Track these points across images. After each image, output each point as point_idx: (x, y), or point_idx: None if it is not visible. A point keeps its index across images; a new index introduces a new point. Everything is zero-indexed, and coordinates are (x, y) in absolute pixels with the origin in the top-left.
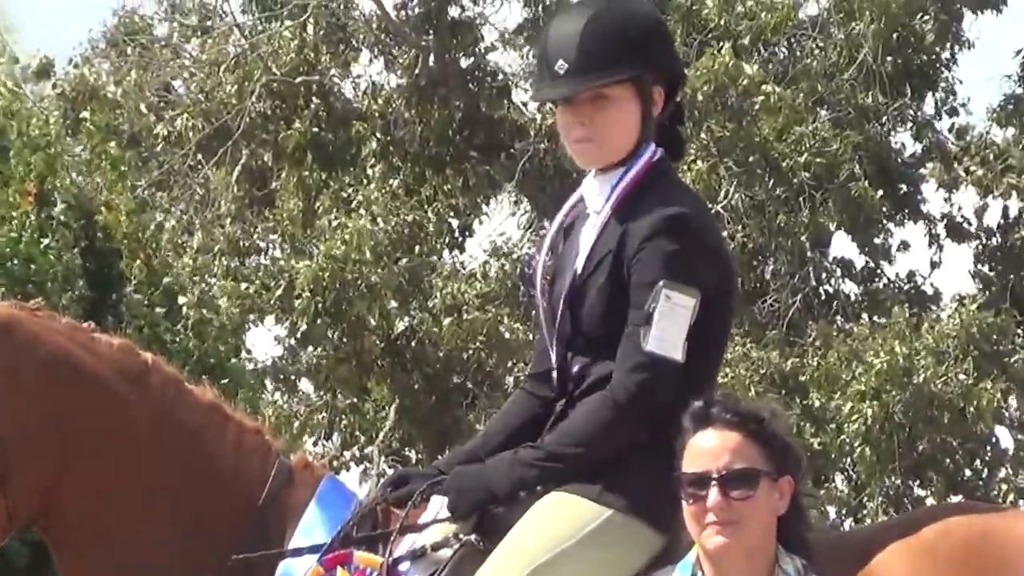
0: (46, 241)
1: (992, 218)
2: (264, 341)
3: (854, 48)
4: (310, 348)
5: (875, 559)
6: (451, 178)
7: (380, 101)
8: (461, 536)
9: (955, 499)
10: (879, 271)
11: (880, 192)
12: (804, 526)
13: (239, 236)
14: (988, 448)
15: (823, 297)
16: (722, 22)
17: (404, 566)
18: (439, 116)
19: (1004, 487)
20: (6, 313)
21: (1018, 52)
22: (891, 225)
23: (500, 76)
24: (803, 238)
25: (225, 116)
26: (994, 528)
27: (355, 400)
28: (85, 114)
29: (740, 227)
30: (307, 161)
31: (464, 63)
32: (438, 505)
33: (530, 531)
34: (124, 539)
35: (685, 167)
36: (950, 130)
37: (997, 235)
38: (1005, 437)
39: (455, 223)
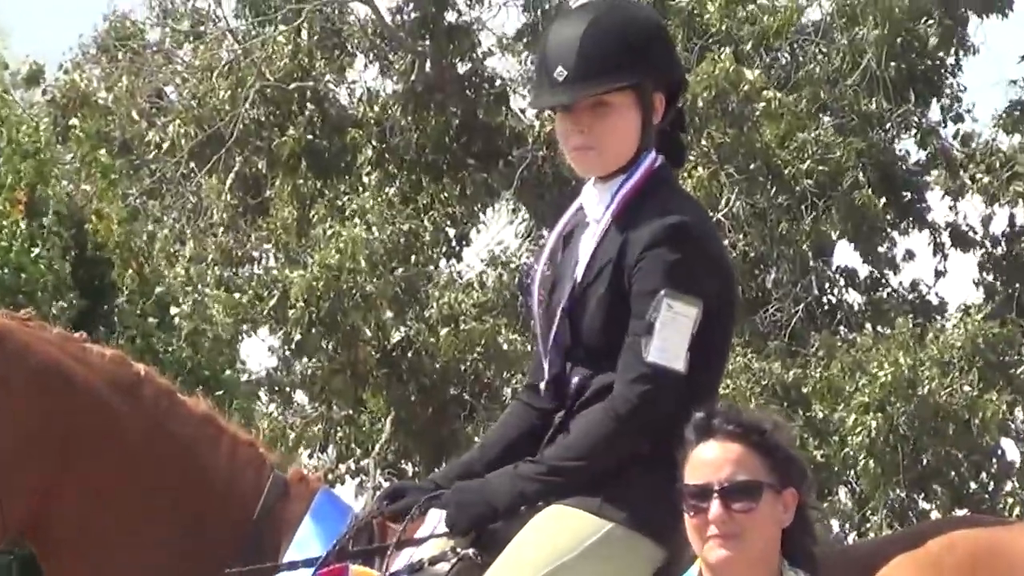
0: (37, 250)
1: (998, 226)
2: (258, 352)
3: (857, 53)
4: (305, 359)
5: (879, 573)
6: (448, 186)
7: (376, 107)
8: (459, 550)
9: (960, 512)
10: (883, 280)
11: (884, 200)
12: (810, 539)
13: (232, 245)
14: (994, 460)
15: (826, 307)
16: (723, 27)
17: None
18: (436, 123)
19: (1010, 500)
20: None
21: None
22: (895, 234)
23: (498, 82)
24: (805, 247)
25: (218, 123)
26: (1000, 542)
27: (350, 412)
28: (74, 121)
29: (741, 235)
30: (301, 169)
31: (461, 69)
32: (435, 519)
33: (529, 544)
34: (115, 556)
35: (685, 174)
36: (955, 137)
37: (1003, 243)
38: (1011, 449)
39: (452, 232)
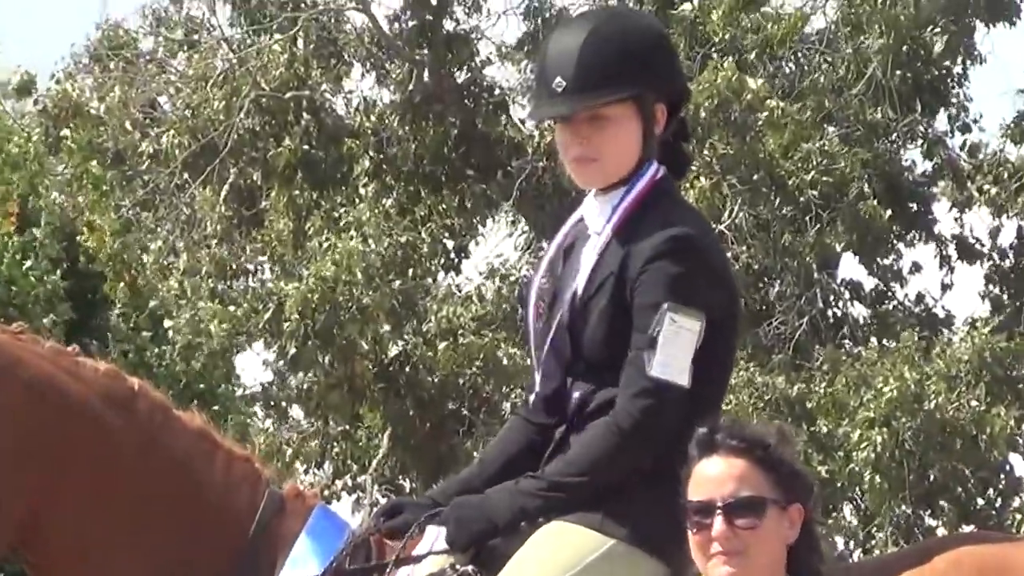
0: (28, 263)
1: (1006, 239)
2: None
3: (862, 62)
4: (300, 373)
5: None
6: (446, 197)
7: (373, 117)
8: (458, 567)
9: (967, 529)
10: (889, 293)
11: (889, 211)
12: (816, 556)
13: (226, 258)
14: (1001, 476)
15: (831, 320)
16: (727, 35)
17: None
18: (434, 133)
19: (1018, 516)
20: None
21: None
22: (901, 246)
23: (497, 91)
24: (810, 259)
25: (212, 133)
26: (1008, 558)
27: (347, 427)
28: (66, 132)
29: (744, 247)
30: (297, 180)
31: (460, 78)
32: (434, 536)
33: (530, 561)
34: (108, 574)
35: (687, 185)
36: (962, 147)
37: (1010, 256)
38: (1019, 465)
39: (450, 244)
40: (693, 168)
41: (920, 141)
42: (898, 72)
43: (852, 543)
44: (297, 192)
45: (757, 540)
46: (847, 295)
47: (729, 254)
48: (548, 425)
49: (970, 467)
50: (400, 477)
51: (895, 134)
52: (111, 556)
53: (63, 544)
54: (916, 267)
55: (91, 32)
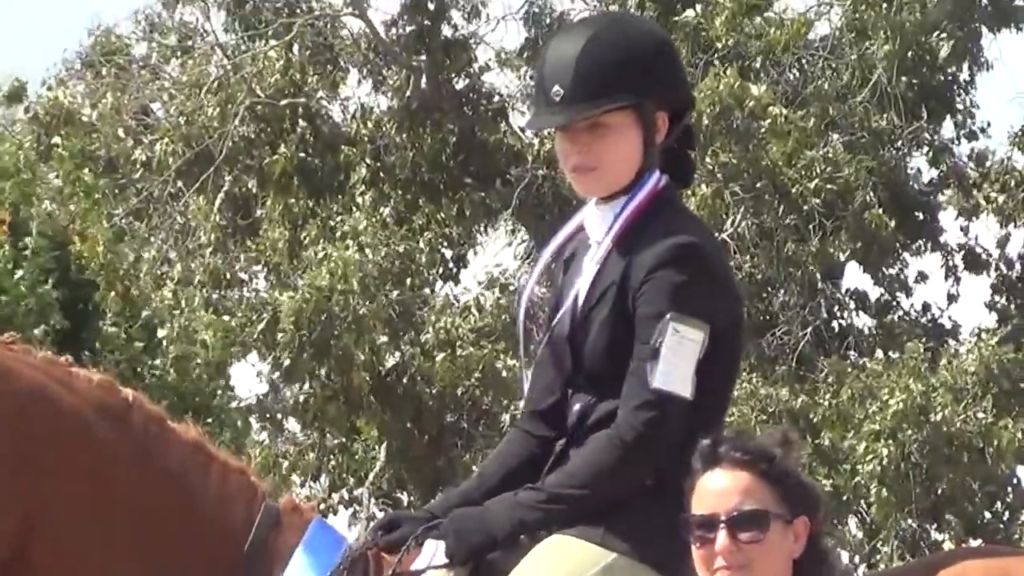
0: (20, 273)
1: (1014, 248)
2: (248, 377)
3: (867, 68)
4: (295, 385)
5: None
6: (444, 206)
7: (370, 125)
8: None
9: (974, 543)
10: (894, 303)
11: (895, 220)
12: (824, 570)
13: (221, 267)
14: (1009, 489)
15: (835, 331)
16: (729, 41)
17: None
18: (432, 140)
19: None
20: None
21: None
22: (906, 255)
23: (496, 98)
24: (814, 268)
25: (207, 141)
26: (1015, 573)
27: (344, 439)
28: (58, 139)
29: (747, 257)
30: (293, 188)
31: (458, 85)
32: (432, 550)
33: (530, 575)
34: None
35: (689, 192)
36: (969, 155)
37: (1018, 266)
38: None
39: (448, 253)
40: (695, 176)
41: (926, 149)
42: (903, 78)
43: (857, 557)
44: (293, 201)
45: (761, 554)
46: (852, 305)
47: (731, 264)
48: (548, 438)
49: (977, 480)
50: (397, 490)
51: (900, 141)
52: (105, 570)
53: (56, 558)
54: (922, 276)
55: (83, 38)
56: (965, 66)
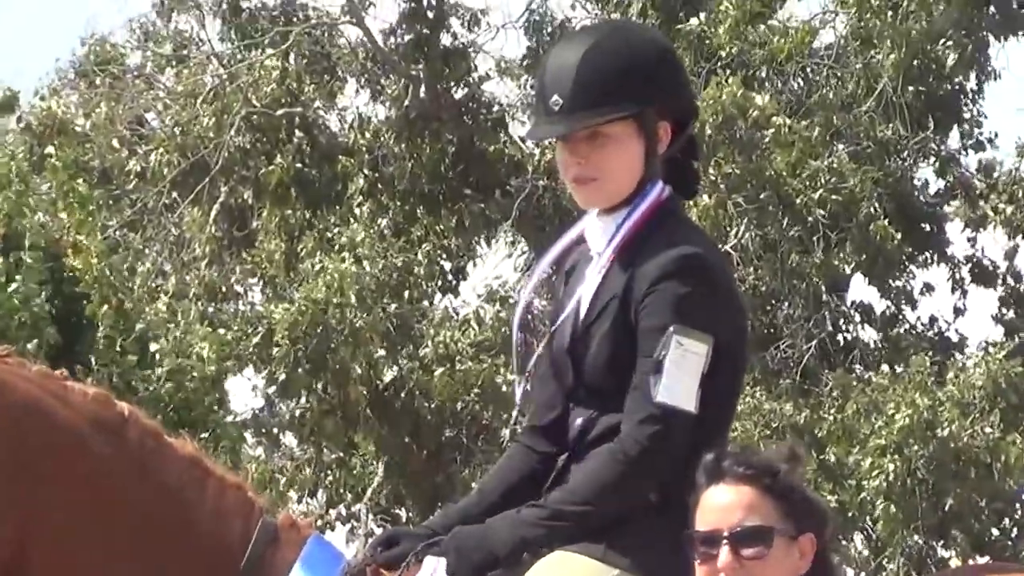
0: (13, 285)
1: (1022, 260)
2: (243, 392)
3: (873, 77)
4: (291, 400)
5: None
6: (443, 217)
7: (368, 135)
8: None
9: (982, 560)
10: (900, 316)
11: (901, 232)
12: None
13: (216, 280)
14: (1017, 506)
15: (840, 344)
16: (733, 50)
17: None
18: (431, 151)
19: None
20: None
21: None
22: (912, 267)
23: (496, 108)
24: (818, 280)
25: (202, 151)
26: None
27: (341, 455)
28: (51, 149)
29: (751, 269)
30: (289, 199)
31: (457, 94)
32: (432, 566)
33: None
34: None
35: (690, 203)
36: (978, 169)
37: None
38: None
39: (447, 265)
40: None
41: (932, 159)
42: (910, 88)
43: (863, 574)
44: (289, 212)
45: (764, 570)
46: (857, 318)
47: (735, 276)
48: (550, 454)
49: (984, 496)
50: (396, 506)
51: (906, 152)
52: None
53: (53, 569)
54: (928, 289)
55: (76, 47)
56: (972, 75)
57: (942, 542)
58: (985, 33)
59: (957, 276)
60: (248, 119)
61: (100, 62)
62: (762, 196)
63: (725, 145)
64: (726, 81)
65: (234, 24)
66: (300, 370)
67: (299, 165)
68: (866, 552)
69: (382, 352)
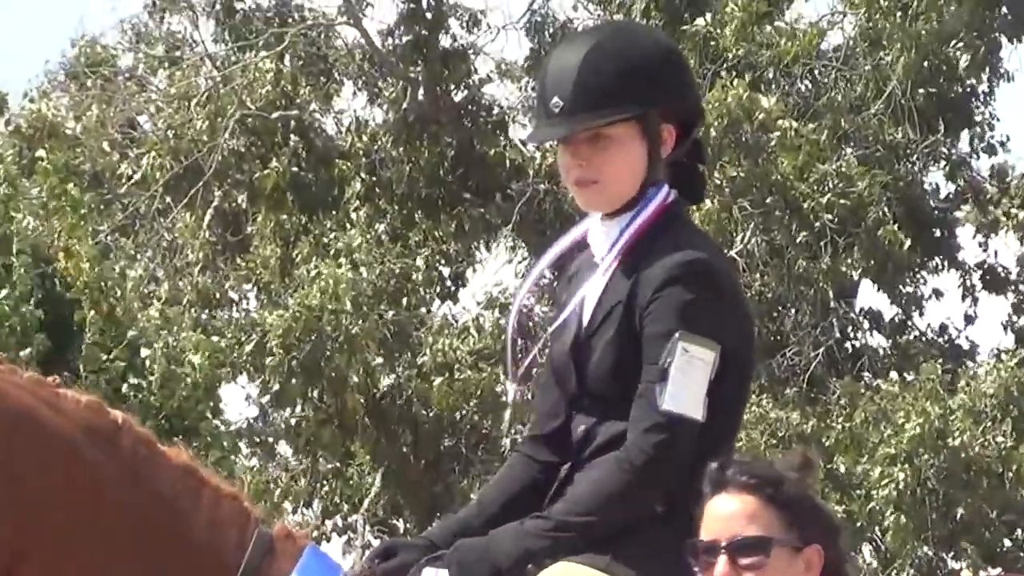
0: (4, 291)
1: None
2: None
3: (882, 80)
4: (286, 409)
5: None
6: (442, 222)
7: (365, 138)
8: None
9: (993, 572)
10: (909, 323)
11: (910, 237)
12: None
13: (209, 286)
14: None
15: (848, 351)
16: (739, 52)
17: None
18: (429, 154)
19: None
20: None
21: None
22: (923, 273)
23: (496, 110)
24: (826, 286)
25: (195, 155)
26: None
27: (338, 464)
28: (41, 153)
29: (757, 275)
30: (285, 204)
31: (457, 97)
32: None
33: None
34: None
35: (694, 208)
36: (990, 173)
37: None
38: None
39: (446, 271)
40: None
41: (943, 163)
42: (920, 90)
43: None
44: (285, 217)
45: None
46: (865, 325)
47: (741, 282)
48: (552, 463)
49: (996, 507)
50: (393, 517)
51: (916, 155)
52: None
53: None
54: (938, 295)
55: (67, 48)
56: (984, 77)
57: (952, 553)
58: (997, 34)
59: (968, 282)
60: (243, 122)
61: (91, 64)
62: (768, 200)
63: (731, 148)
64: (732, 83)
65: (228, 25)
66: (294, 380)
67: (295, 169)
68: (875, 563)
69: (379, 360)
